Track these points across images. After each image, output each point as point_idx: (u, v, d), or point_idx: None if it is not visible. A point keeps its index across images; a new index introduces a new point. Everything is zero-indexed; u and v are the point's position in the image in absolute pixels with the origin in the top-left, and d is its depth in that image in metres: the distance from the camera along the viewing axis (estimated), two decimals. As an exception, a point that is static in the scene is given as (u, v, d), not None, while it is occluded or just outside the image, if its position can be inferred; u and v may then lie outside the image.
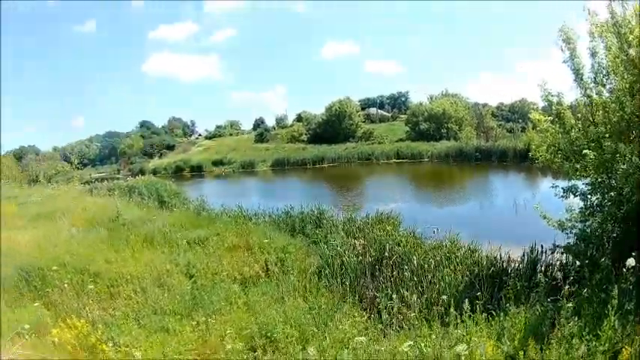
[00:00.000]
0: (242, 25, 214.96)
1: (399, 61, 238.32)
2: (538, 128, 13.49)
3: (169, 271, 15.46)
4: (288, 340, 10.21)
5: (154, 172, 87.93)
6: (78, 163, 58.99)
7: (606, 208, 11.79)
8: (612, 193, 11.63)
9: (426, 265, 14.12)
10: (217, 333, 10.79)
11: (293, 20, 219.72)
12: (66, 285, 13.48)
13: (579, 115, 12.32)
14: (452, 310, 9.38)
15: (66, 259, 15.73)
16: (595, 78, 11.79)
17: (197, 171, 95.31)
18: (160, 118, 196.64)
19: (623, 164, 10.78)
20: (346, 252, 16.10)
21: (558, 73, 12.81)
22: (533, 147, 13.63)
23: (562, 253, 13.21)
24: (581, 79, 11.97)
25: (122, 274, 14.92)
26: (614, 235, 11.87)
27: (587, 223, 12.33)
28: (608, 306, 7.65)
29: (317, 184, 63.74)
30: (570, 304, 8.58)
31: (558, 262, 13.68)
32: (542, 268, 13.83)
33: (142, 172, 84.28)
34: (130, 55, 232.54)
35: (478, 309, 9.65)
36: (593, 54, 11.63)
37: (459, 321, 9.27)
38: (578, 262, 12.49)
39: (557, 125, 12.50)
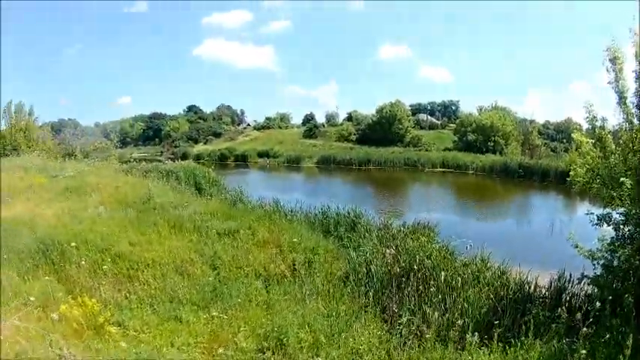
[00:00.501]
0: (297, 17, 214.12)
1: (450, 70, 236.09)
2: (580, 150, 12.90)
3: (193, 260, 15.31)
4: (299, 345, 9.96)
5: (198, 158, 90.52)
6: (118, 141, 58.96)
7: (636, 241, 11.30)
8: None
9: (453, 283, 13.54)
10: (231, 329, 10.66)
11: (349, 18, 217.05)
12: (83, 262, 13.57)
13: (620, 141, 11.83)
14: (469, 334, 9.54)
15: (89, 237, 15.66)
16: (638, 103, 11.31)
17: (241, 160, 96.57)
18: (209, 104, 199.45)
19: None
20: (375, 260, 15.64)
21: (607, 96, 12.16)
22: (572, 171, 13.04)
23: (588, 284, 12.66)
24: (625, 103, 11.50)
25: (144, 257, 14.85)
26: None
27: (616, 255, 11.77)
28: (624, 351, 7.31)
29: (361, 185, 63.68)
30: (584, 351, 8.41)
31: (583, 293, 13.18)
32: (568, 298, 13.32)
33: (184, 156, 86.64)
34: (182, 38, 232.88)
35: (496, 336, 9.62)
36: (638, 77, 11.12)
37: (475, 347, 9.37)
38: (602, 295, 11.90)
39: (598, 149, 12.04)
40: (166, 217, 19.20)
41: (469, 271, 14.70)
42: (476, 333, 9.97)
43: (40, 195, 22.28)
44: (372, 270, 14.87)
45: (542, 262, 18.14)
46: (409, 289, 13.49)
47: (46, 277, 12.27)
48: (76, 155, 41.47)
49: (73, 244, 14.70)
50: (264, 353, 9.73)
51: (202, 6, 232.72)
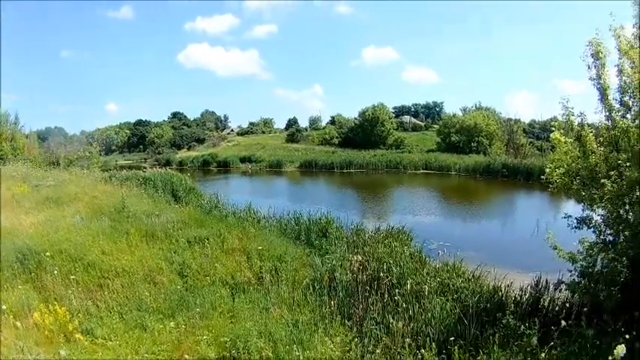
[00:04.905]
0: (282, 21, 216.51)
1: (436, 71, 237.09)
2: (558, 150, 12.35)
3: (162, 268, 15.50)
4: (259, 354, 10.06)
5: (181, 164, 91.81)
6: (102, 149, 59.04)
7: (619, 246, 10.75)
8: (627, 232, 10.58)
9: (419, 291, 13.29)
10: (194, 337, 10.84)
11: (334, 21, 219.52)
12: (56, 272, 13.97)
13: (601, 139, 11.34)
14: (427, 348, 9.42)
15: (63, 246, 15.95)
16: (621, 99, 10.83)
17: (224, 166, 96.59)
18: (193, 110, 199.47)
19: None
20: (341, 267, 15.49)
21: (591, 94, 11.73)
22: (548, 169, 12.50)
23: (566, 290, 12.28)
24: (607, 100, 11.03)
25: (114, 266, 15.11)
26: (623, 278, 10.89)
27: (597, 259, 11.33)
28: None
29: (342, 189, 63.60)
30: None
31: (562, 299, 12.93)
32: (545, 304, 12.98)
33: (168, 162, 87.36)
34: (166, 44, 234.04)
35: (456, 349, 9.73)
36: (620, 71, 10.66)
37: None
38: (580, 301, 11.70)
39: (577, 148, 11.52)
40: (138, 226, 19.45)
41: (439, 278, 14.67)
42: (433, 345, 9.94)
43: (22, 204, 22.55)
44: (337, 278, 14.72)
45: (524, 265, 18.50)
46: (374, 297, 13.36)
47: (21, 287, 12.97)
48: (59, 164, 41.48)
49: (48, 253, 15.01)
50: None
51: (186, 11, 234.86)
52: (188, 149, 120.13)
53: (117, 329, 11.23)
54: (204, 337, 10.65)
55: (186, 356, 9.91)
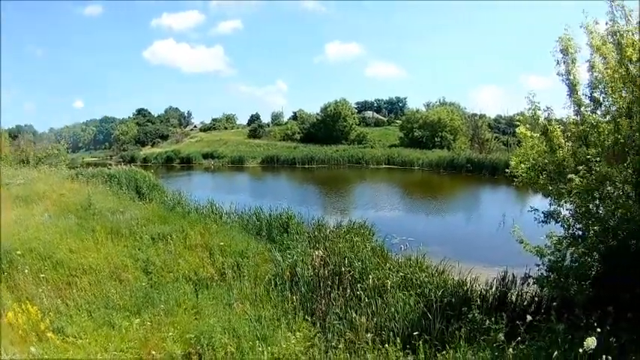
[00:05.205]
0: (247, 17, 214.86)
1: (400, 67, 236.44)
2: (523, 144, 12.39)
3: (127, 265, 15.48)
4: (222, 350, 10.00)
5: (145, 161, 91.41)
6: (68, 147, 58.50)
7: (589, 241, 10.78)
8: (596, 227, 10.61)
9: (382, 286, 13.31)
10: (160, 334, 10.75)
11: (299, 17, 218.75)
12: (26, 270, 13.80)
13: (568, 133, 11.32)
14: (398, 340, 9.49)
15: (33, 245, 15.95)
16: (591, 95, 10.80)
17: (186, 162, 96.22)
18: (159, 107, 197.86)
19: (613, 192, 9.84)
20: (302, 262, 15.47)
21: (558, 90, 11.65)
22: (513, 162, 12.53)
23: (533, 284, 12.32)
24: (576, 95, 10.99)
25: (81, 264, 15.05)
26: (594, 272, 10.90)
27: (566, 253, 11.37)
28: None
29: (304, 184, 63.58)
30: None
31: (530, 293, 12.99)
32: (514, 298, 13.01)
33: (133, 159, 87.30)
34: (132, 40, 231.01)
35: (421, 343, 9.72)
36: (592, 67, 10.60)
37: (401, 355, 9.33)
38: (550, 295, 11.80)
39: (544, 143, 11.49)
40: (104, 223, 19.48)
41: (401, 274, 14.55)
42: (398, 339, 9.96)
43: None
44: (298, 273, 14.76)
45: (490, 259, 18.36)
46: (336, 292, 13.33)
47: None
48: (29, 162, 41.11)
49: (19, 252, 14.95)
50: (189, 359, 9.83)
51: (153, 7, 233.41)
52: (152, 146, 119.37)
53: (86, 327, 11.18)
54: (170, 334, 10.63)
55: (154, 353, 9.80)
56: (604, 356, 6.91)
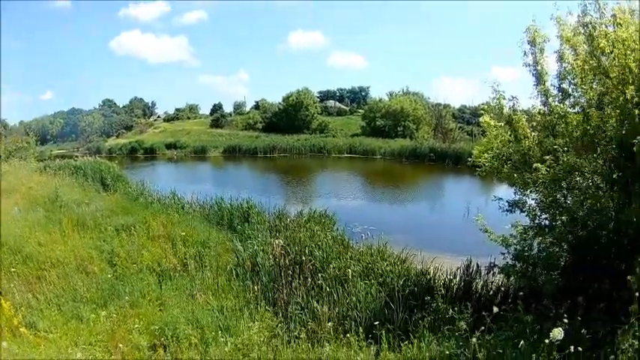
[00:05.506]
0: (212, 7, 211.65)
1: (365, 56, 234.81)
2: (487, 134, 12.36)
3: (93, 257, 15.36)
4: (187, 341, 10.04)
5: (110, 152, 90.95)
6: (37, 140, 58.08)
7: (557, 230, 10.82)
8: (564, 217, 10.65)
9: (343, 275, 13.31)
10: (126, 326, 10.66)
11: (264, 6, 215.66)
12: None
13: (534, 123, 11.39)
14: (360, 330, 9.67)
15: (3, 239, 15.88)
16: (560, 85, 10.84)
17: (150, 153, 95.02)
18: (125, 98, 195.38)
19: (582, 182, 9.87)
20: (263, 252, 15.46)
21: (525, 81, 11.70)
22: (475, 152, 12.67)
23: (499, 273, 12.36)
24: (543, 85, 11.03)
25: (50, 257, 14.98)
26: (564, 262, 10.96)
27: (532, 243, 11.46)
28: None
29: (265, 173, 63.49)
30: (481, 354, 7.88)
31: (495, 283, 13.04)
32: (479, 288, 13.05)
33: (98, 150, 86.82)
34: (101, 31, 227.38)
35: (384, 333, 9.67)
36: (561, 58, 10.66)
37: (360, 344, 9.30)
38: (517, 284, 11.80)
39: (509, 132, 11.50)
40: (70, 216, 19.45)
41: (362, 263, 14.55)
42: (360, 329, 9.99)
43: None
44: (259, 263, 14.74)
45: (454, 249, 18.59)
46: (297, 282, 13.29)
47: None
48: (0, 156, 40.91)
49: None
50: (155, 350, 9.81)
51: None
52: (117, 137, 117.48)
53: (56, 321, 11.06)
54: (136, 326, 10.51)
55: (120, 345, 9.65)
56: (572, 347, 6.87)
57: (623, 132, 9.08)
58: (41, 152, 62.06)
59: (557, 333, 6.91)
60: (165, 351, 9.77)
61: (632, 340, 7.12)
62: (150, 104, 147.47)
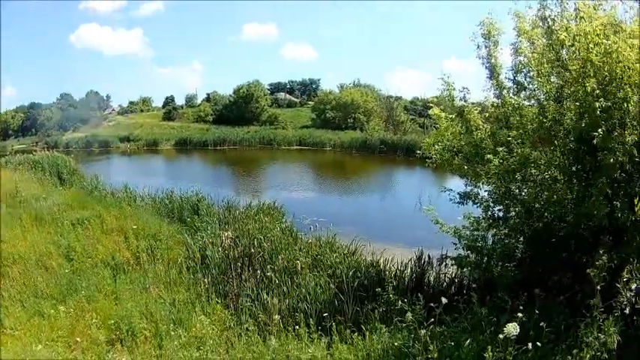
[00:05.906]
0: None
1: (317, 49, 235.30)
2: (437, 126, 12.35)
3: (51, 252, 15.29)
4: (142, 335, 10.12)
5: (67, 146, 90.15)
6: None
7: (511, 222, 10.88)
8: (518, 208, 10.67)
9: (291, 267, 13.37)
10: (84, 321, 10.71)
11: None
12: None
13: (487, 114, 11.45)
14: (311, 322, 9.72)
15: None
16: (514, 78, 10.83)
17: (105, 146, 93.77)
18: (83, 91, 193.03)
19: (538, 174, 9.94)
20: (212, 244, 15.41)
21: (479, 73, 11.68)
22: (425, 144, 12.53)
23: (452, 265, 12.43)
24: (497, 78, 11.05)
25: (12, 253, 14.97)
26: (520, 254, 10.97)
27: (486, 234, 11.48)
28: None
29: (216, 166, 64.33)
30: (432, 347, 7.70)
31: (448, 275, 13.10)
32: (432, 280, 13.13)
33: (56, 145, 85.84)
34: (62, 25, 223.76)
35: (334, 325, 9.71)
36: (516, 50, 10.62)
37: (315, 336, 9.26)
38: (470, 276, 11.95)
39: (460, 124, 11.51)
40: (29, 211, 19.75)
41: (311, 254, 14.59)
42: (311, 320, 9.99)
43: None
44: (209, 255, 14.70)
45: (405, 240, 18.90)
46: (247, 274, 13.35)
47: None
48: None
49: None
50: (112, 345, 9.88)
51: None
52: (74, 131, 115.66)
53: (20, 318, 11.08)
54: (94, 321, 10.55)
55: (78, 339, 9.75)
56: (529, 344, 6.90)
57: (583, 125, 9.10)
58: (3, 147, 65.43)
59: (512, 328, 6.77)
60: (122, 345, 9.79)
61: (598, 333, 7.13)
62: (105, 97, 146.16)
